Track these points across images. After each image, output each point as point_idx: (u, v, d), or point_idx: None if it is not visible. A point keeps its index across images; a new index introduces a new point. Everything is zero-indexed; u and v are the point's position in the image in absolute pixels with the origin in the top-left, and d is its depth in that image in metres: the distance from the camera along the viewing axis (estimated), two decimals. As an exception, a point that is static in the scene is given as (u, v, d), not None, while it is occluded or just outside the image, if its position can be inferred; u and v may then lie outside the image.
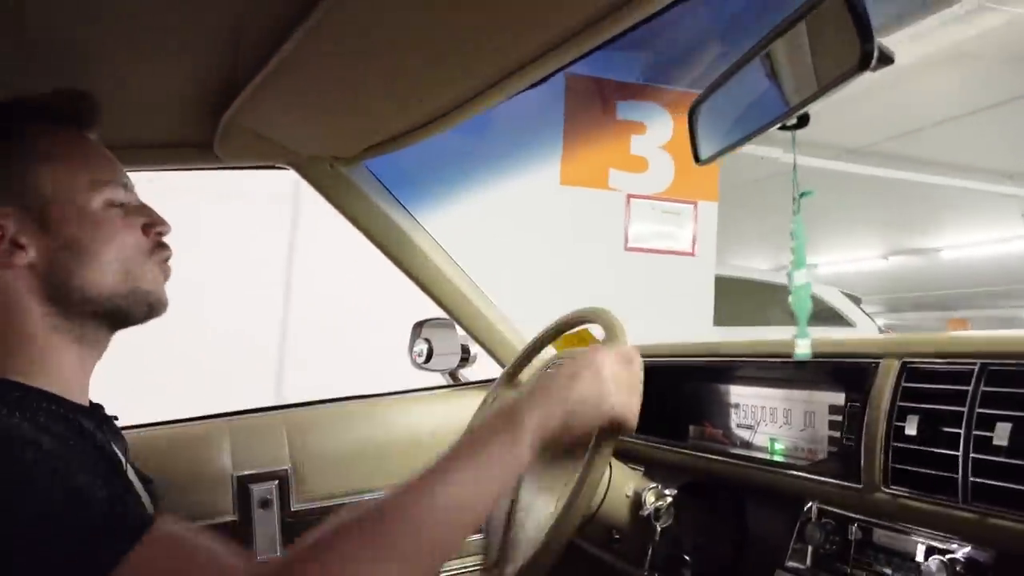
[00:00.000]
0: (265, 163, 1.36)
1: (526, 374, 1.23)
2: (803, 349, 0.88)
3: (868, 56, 0.58)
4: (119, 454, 0.83)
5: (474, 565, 1.56)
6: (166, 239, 0.86)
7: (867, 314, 6.25)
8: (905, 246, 10.65)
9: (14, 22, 0.81)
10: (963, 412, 0.79)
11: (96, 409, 0.86)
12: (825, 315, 5.87)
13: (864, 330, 6.04)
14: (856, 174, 6.82)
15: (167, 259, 0.86)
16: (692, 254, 4.50)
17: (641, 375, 0.86)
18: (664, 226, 4.40)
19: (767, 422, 1.19)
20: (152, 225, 0.84)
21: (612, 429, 0.84)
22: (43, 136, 0.80)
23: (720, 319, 4.83)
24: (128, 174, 0.87)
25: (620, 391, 0.82)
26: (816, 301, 5.80)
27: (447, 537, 0.69)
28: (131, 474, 0.83)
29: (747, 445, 1.21)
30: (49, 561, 0.59)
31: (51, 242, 0.77)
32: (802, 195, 0.74)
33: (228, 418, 1.53)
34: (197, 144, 1.24)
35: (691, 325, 4.37)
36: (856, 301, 6.25)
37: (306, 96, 1.08)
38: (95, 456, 0.71)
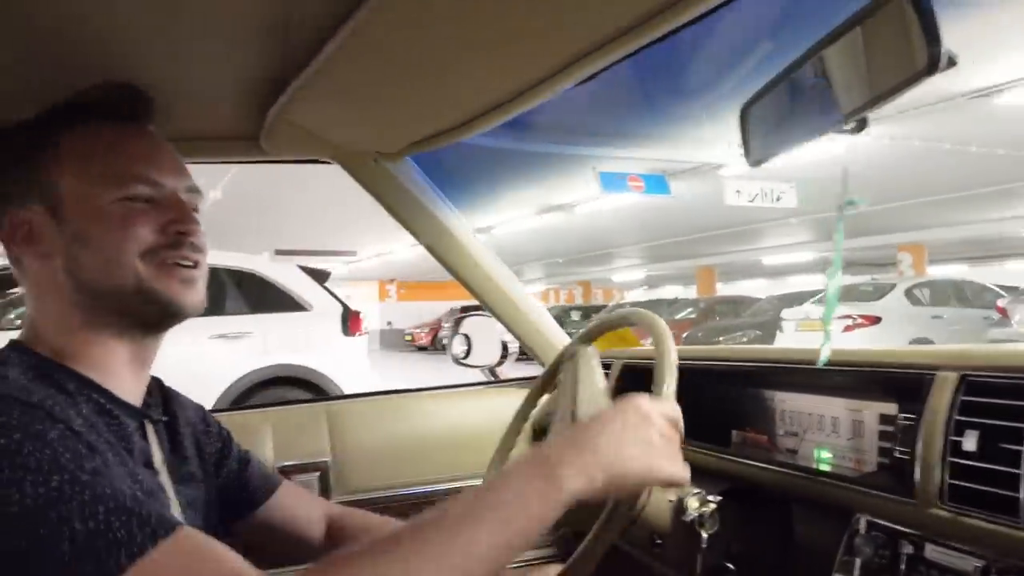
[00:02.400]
0: (310, 157, 1.36)
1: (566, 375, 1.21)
2: (824, 355, 0.93)
3: (936, 59, 0.55)
4: (161, 455, 0.84)
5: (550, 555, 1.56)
6: (192, 240, 0.83)
7: (332, 293, 5.61)
8: (551, 204, 13.47)
9: (62, 18, 0.82)
10: (1025, 429, 0.76)
11: (148, 408, 0.87)
12: (274, 299, 5.34)
13: (324, 312, 5.41)
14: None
15: (175, 260, 0.81)
16: None
17: (682, 427, 0.83)
18: None
19: (813, 430, 1.15)
20: (172, 223, 0.81)
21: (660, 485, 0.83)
22: (71, 136, 0.81)
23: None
24: (181, 170, 0.86)
25: (665, 448, 0.77)
26: (259, 283, 5.32)
27: None
28: (163, 480, 0.83)
29: (792, 453, 1.18)
30: (49, 554, 0.58)
31: (65, 236, 0.78)
32: (849, 202, 0.71)
33: (267, 409, 1.55)
34: (244, 137, 1.25)
35: None
36: (322, 277, 5.67)
37: (352, 92, 1.08)
38: (120, 457, 0.71)
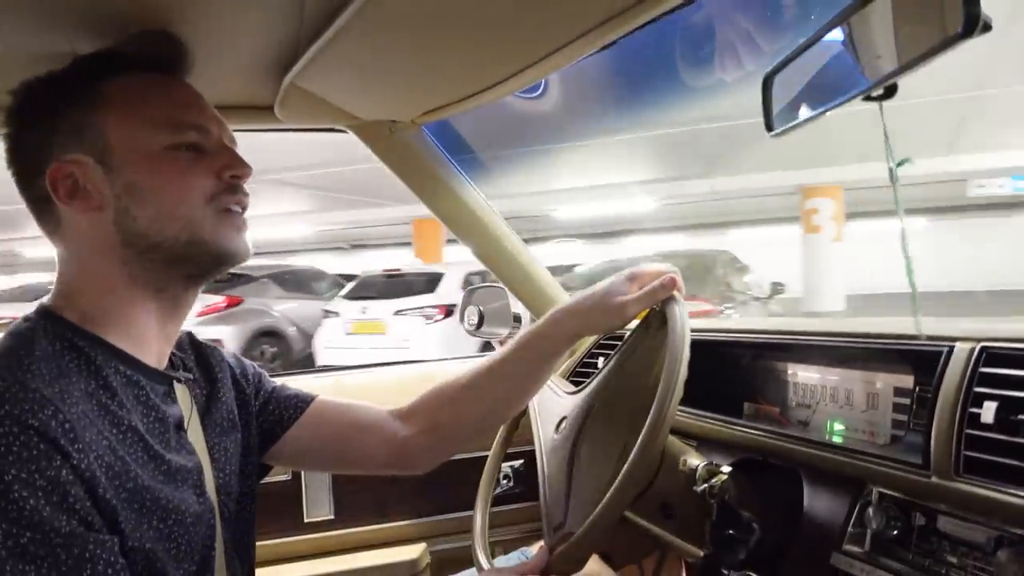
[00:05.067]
0: (324, 126, 1.36)
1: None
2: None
3: (974, 21, 0.53)
4: (193, 413, 0.86)
5: (536, 528, 1.57)
6: (243, 184, 0.83)
7: None
8: None
9: None
10: (1045, 401, 0.76)
11: (175, 371, 0.87)
12: None
13: None
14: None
15: (231, 206, 0.81)
16: None
17: None
18: None
19: (826, 402, 1.16)
20: (225, 167, 0.81)
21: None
22: (113, 83, 0.79)
23: None
24: (221, 119, 0.86)
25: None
26: None
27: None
28: (194, 437, 0.84)
29: (804, 424, 1.19)
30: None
31: (116, 187, 0.77)
32: (899, 164, 0.71)
33: (307, 374, 1.56)
34: (258, 106, 1.24)
35: None
36: None
37: (367, 60, 1.07)
38: (144, 443, 0.74)
